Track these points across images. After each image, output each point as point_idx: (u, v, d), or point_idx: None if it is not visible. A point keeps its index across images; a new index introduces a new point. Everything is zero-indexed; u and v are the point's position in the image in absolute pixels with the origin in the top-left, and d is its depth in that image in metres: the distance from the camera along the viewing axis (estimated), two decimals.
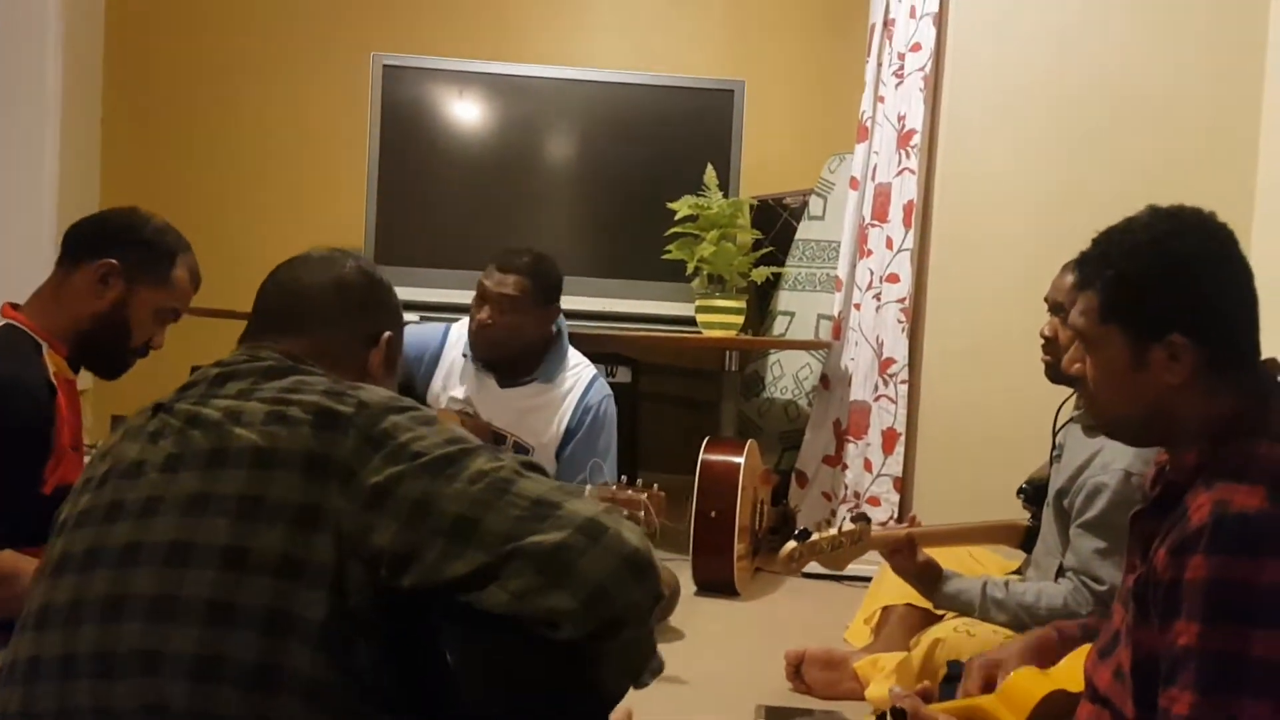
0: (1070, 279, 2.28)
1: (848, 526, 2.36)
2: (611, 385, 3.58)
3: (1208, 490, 1.30)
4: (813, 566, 3.56)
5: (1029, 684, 1.73)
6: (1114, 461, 2.15)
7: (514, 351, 3.05)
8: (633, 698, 2.37)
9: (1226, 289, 1.39)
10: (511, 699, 1.14)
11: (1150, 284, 1.38)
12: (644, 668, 1.21)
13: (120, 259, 1.98)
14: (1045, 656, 1.85)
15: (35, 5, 4.08)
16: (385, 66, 4.07)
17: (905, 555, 2.33)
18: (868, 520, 2.40)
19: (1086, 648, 1.72)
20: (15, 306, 1.99)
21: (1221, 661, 1.23)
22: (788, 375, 4.36)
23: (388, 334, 1.41)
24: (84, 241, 2.01)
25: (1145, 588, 1.35)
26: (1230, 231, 1.42)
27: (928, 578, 2.32)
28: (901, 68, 3.70)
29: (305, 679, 1.08)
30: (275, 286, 1.40)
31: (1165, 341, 1.36)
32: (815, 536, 2.34)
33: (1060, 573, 2.27)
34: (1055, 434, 2.46)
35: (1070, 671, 1.74)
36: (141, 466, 1.20)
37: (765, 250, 4.18)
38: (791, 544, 2.33)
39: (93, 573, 1.15)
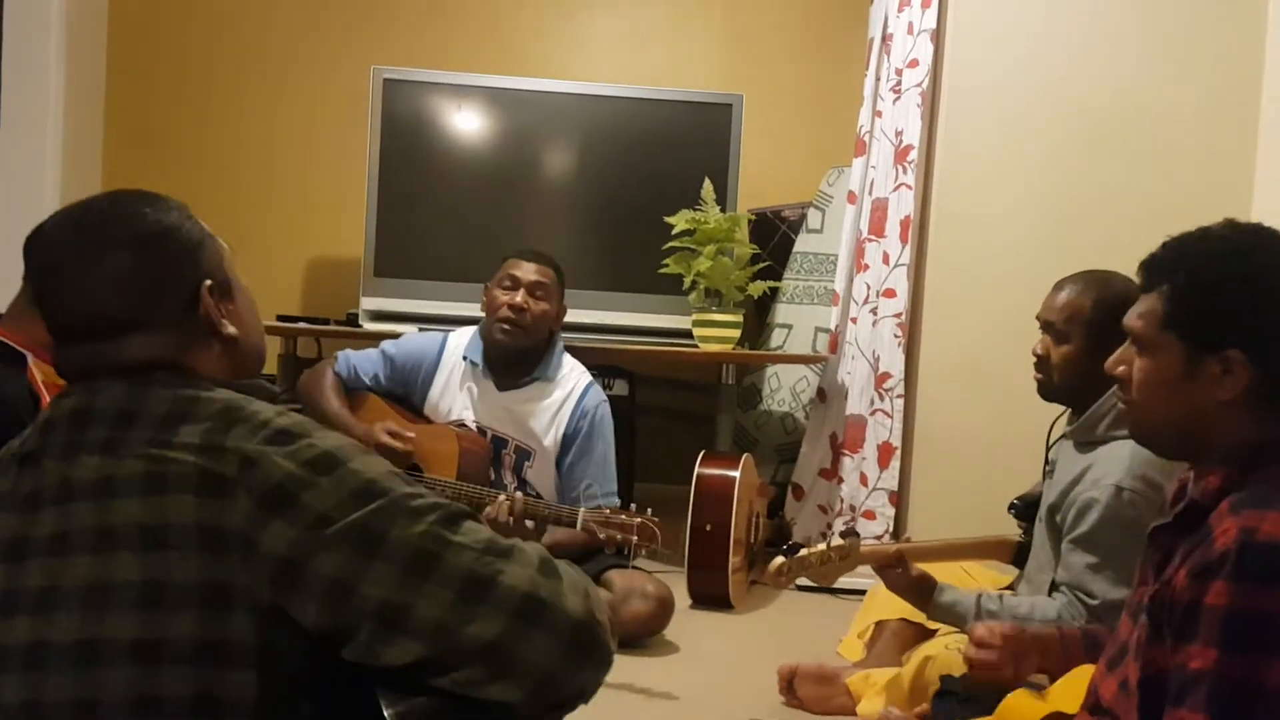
0: (1062, 296, 2.29)
1: (836, 542, 2.37)
2: (609, 397, 3.60)
3: (1234, 515, 1.29)
4: (807, 579, 3.62)
5: (1025, 707, 1.74)
6: (1105, 477, 2.16)
7: (534, 341, 3.12)
8: (633, 710, 2.40)
9: None
10: None
11: (1219, 295, 1.37)
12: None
13: None
14: (1048, 655, 1.85)
15: (38, 20, 4.09)
16: (385, 80, 4.09)
17: (896, 571, 2.33)
18: (857, 535, 2.40)
19: (1080, 671, 1.73)
20: None
21: (1236, 688, 1.23)
22: (785, 388, 4.37)
23: (205, 283, 1.20)
24: None
25: (1160, 606, 1.35)
26: None
27: (922, 591, 2.32)
28: (899, 83, 3.71)
29: None
30: (52, 304, 1.19)
31: (1221, 355, 1.36)
32: (804, 551, 2.35)
33: (1054, 588, 2.28)
34: (1048, 450, 2.47)
35: (1066, 693, 1.74)
36: (25, 546, 1.09)
37: (763, 264, 4.19)
38: (780, 559, 2.34)
39: (2, 677, 1.07)
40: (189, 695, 1.02)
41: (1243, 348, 1.35)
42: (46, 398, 1.93)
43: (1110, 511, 2.12)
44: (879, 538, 3.57)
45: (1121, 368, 1.48)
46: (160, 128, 4.64)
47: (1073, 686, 1.70)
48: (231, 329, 1.23)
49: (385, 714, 1.03)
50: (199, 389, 1.14)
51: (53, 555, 1.08)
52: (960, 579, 2.60)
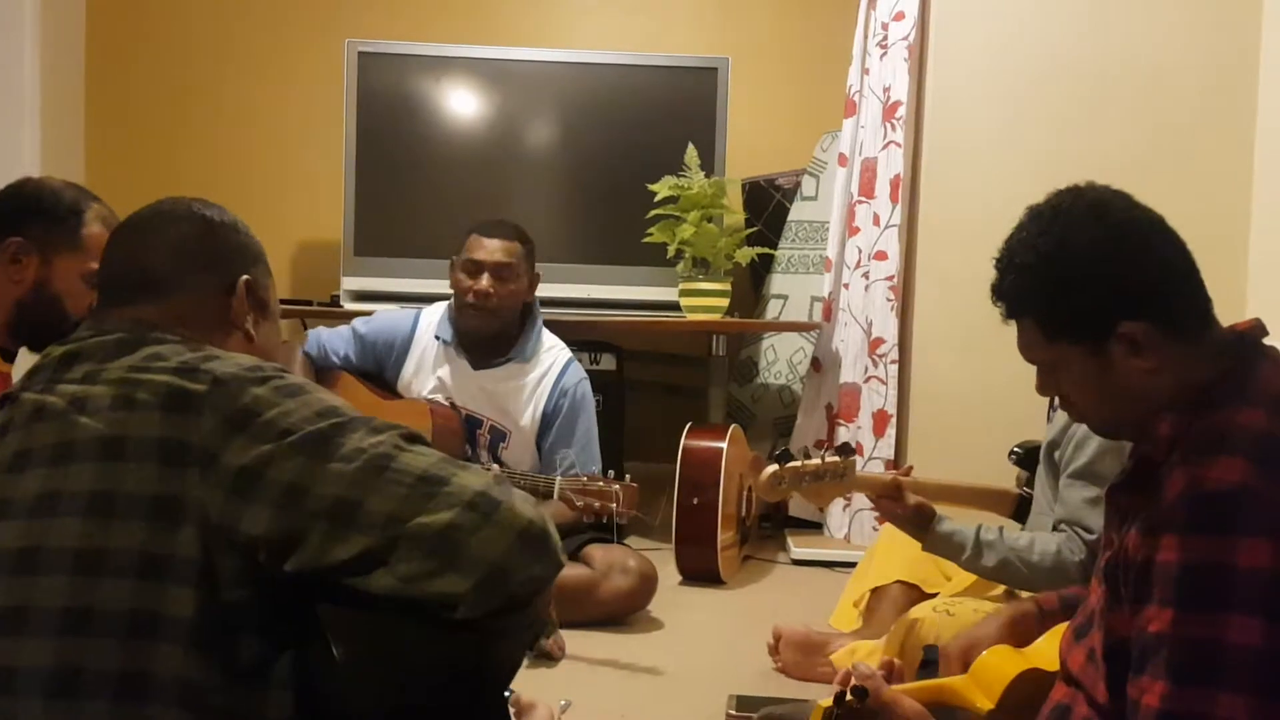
0: None
1: (832, 457, 2.24)
2: (596, 372, 3.51)
3: (1183, 464, 1.21)
4: (803, 553, 3.52)
5: (1001, 663, 1.64)
6: None
7: (505, 321, 3.02)
8: (613, 686, 2.31)
9: (1146, 256, 1.32)
10: (403, 683, 1.05)
11: (1073, 288, 1.32)
12: (539, 636, 1.13)
13: (26, 234, 1.88)
14: (1024, 631, 1.76)
15: (12, 4, 4.02)
16: (360, 53, 4.00)
17: (893, 500, 2.21)
18: (853, 452, 2.28)
19: (1063, 626, 1.63)
20: None
21: (1196, 650, 1.14)
22: (781, 360, 4.26)
23: (244, 278, 1.29)
24: None
25: (1116, 568, 1.27)
26: (1122, 195, 1.36)
27: (920, 520, 2.20)
28: (885, 38, 3.59)
29: (177, 682, 1.00)
30: (113, 258, 1.29)
31: (1117, 335, 1.30)
32: (798, 462, 2.21)
33: (1055, 528, 2.18)
34: None
35: (1045, 650, 1.65)
36: None
37: (752, 230, 4.08)
38: (773, 467, 2.20)
39: None
40: (124, 610, 1.01)
41: (1129, 315, 1.29)
42: None
43: (1109, 443, 2.02)
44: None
45: (1051, 391, 1.42)
46: (139, 115, 4.56)
47: (1051, 642, 1.61)
48: (252, 332, 1.30)
49: (333, 648, 1.02)
50: (188, 344, 1.17)
51: (10, 472, 1.09)
52: (942, 620, 2.41)
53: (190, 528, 1.03)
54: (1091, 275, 1.31)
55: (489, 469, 2.77)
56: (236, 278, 1.29)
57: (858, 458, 2.30)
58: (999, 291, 1.40)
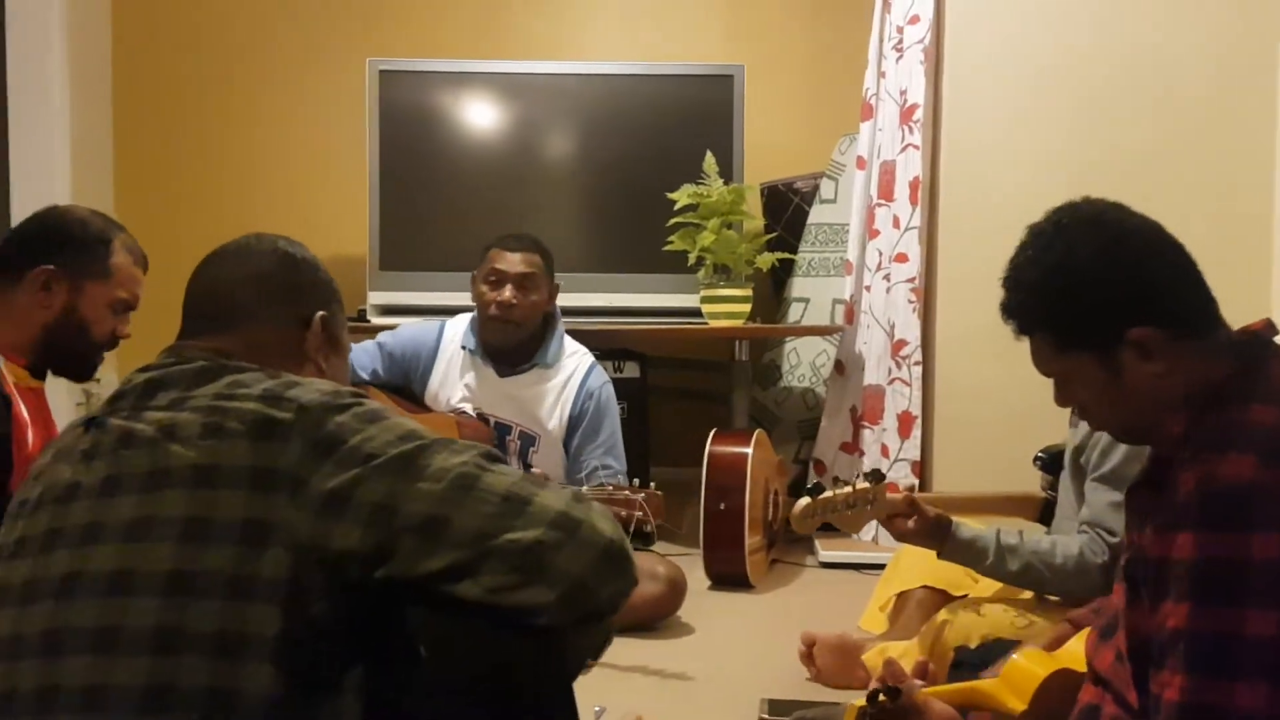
0: None
1: (862, 485, 2.25)
2: (620, 380, 3.54)
3: (1195, 461, 1.23)
4: (832, 555, 3.53)
5: (1032, 665, 1.66)
6: None
7: (528, 331, 3.07)
8: (644, 692, 2.33)
9: (1148, 262, 1.35)
10: (484, 682, 1.11)
11: (1079, 299, 1.35)
12: (605, 647, 1.20)
13: (56, 262, 1.94)
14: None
15: (39, 27, 4.08)
16: (381, 71, 4.04)
17: (905, 517, 2.21)
18: (883, 478, 2.28)
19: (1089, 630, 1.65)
20: None
21: (1214, 643, 1.17)
22: (805, 363, 4.28)
23: (320, 314, 1.34)
24: (14, 253, 1.97)
25: (1135, 567, 1.30)
26: (1119, 206, 1.39)
27: (938, 531, 2.20)
28: (900, 41, 3.60)
29: (263, 698, 1.04)
30: (196, 287, 1.34)
31: (1127, 342, 1.32)
32: (829, 493, 2.24)
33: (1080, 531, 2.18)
34: None
35: (1074, 652, 1.67)
36: (76, 490, 1.15)
37: (772, 235, 4.10)
38: (805, 500, 2.23)
39: (32, 606, 1.10)
40: (213, 630, 1.05)
41: (1136, 321, 1.32)
42: (17, 399, 1.91)
43: (1135, 449, 2.01)
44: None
45: (1070, 402, 1.45)
46: (165, 137, 4.62)
47: (1080, 644, 1.62)
48: (324, 365, 1.35)
49: (420, 648, 1.09)
50: (265, 371, 1.21)
51: (102, 496, 1.12)
52: (972, 621, 2.39)
53: (277, 549, 1.07)
54: (1096, 285, 1.34)
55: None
56: (313, 313, 1.34)
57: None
58: (1008, 310, 1.43)
